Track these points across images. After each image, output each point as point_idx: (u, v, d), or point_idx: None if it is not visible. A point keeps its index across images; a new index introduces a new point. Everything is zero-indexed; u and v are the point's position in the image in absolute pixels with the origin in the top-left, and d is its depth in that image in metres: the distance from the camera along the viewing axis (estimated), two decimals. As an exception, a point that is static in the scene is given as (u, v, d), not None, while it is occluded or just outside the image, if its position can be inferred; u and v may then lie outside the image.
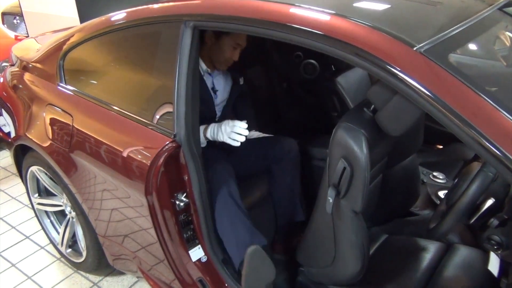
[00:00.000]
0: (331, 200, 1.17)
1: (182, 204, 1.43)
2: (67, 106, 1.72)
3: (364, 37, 1.01)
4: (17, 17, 5.24)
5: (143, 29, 1.51)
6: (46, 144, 1.78)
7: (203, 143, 1.60)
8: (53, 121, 1.76)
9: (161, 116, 1.42)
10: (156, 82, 1.51)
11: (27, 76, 2.04)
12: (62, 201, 2.05)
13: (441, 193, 1.76)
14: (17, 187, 2.94)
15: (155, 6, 1.49)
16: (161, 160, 1.35)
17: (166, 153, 1.35)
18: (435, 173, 1.84)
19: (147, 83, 1.55)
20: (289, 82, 2.47)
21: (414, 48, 0.95)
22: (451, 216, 1.15)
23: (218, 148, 1.80)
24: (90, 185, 1.66)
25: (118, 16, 1.60)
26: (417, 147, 1.62)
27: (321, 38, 1.07)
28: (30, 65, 2.05)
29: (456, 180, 1.26)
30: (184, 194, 1.44)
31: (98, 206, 1.68)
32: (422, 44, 0.97)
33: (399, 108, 1.08)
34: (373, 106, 1.19)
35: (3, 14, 5.79)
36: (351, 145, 1.11)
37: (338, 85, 2.11)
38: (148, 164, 1.36)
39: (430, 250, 1.51)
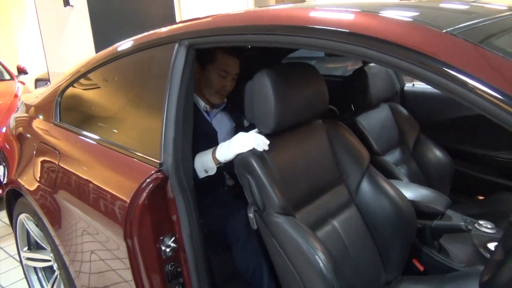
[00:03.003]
0: (251, 215, 1.19)
1: (169, 250, 1.19)
2: (57, 143, 1.57)
3: (384, 29, 0.82)
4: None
5: (136, 56, 1.39)
6: (32, 187, 1.62)
7: (212, 169, 1.35)
8: (41, 160, 1.61)
9: (147, 143, 1.23)
10: (145, 108, 1.35)
11: (27, 118, 1.95)
12: (51, 255, 1.83)
13: (491, 245, 1.43)
14: (17, 244, 2.75)
15: (148, 32, 1.39)
16: (144, 194, 1.13)
17: (150, 186, 1.14)
18: (481, 222, 1.52)
19: (137, 111, 1.39)
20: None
21: (444, 31, 0.75)
22: (512, 261, 0.85)
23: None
24: (71, 230, 1.44)
25: (113, 47, 1.50)
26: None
27: (340, 37, 0.87)
28: (32, 108, 1.97)
29: None
30: (173, 239, 1.20)
31: (76, 251, 1.44)
32: (451, 28, 0.76)
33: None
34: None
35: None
36: (245, 158, 1.18)
37: (360, 125, 1.90)
38: (128, 201, 1.15)
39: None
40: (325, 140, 1.42)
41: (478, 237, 1.49)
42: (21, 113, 2.10)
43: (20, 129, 1.99)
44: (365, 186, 1.41)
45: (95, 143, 1.41)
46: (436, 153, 2.06)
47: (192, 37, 1.20)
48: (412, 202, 1.43)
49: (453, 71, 0.68)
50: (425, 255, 1.47)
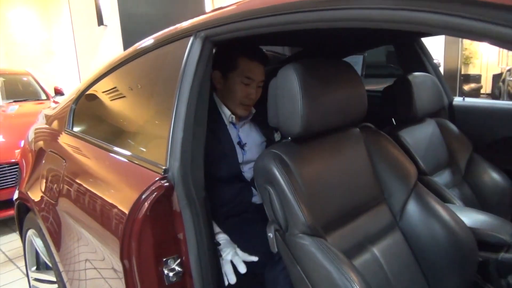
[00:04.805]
0: (271, 236, 1.00)
1: (173, 275, 0.99)
2: (64, 151, 1.45)
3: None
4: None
5: (149, 56, 1.26)
6: (37, 198, 1.49)
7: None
8: (48, 170, 1.48)
9: (152, 147, 1.07)
10: (154, 109, 1.19)
11: (44, 129, 1.86)
12: (58, 276, 1.68)
13: None
14: (34, 264, 2.64)
15: (163, 30, 1.26)
16: (145, 205, 0.96)
17: (153, 196, 0.96)
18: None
19: (146, 113, 1.24)
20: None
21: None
22: None
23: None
24: (73, 249, 1.28)
25: (126, 51, 1.38)
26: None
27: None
28: (50, 118, 1.89)
29: None
30: (178, 261, 1.01)
31: (73, 277, 1.27)
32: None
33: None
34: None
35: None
36: (265, 166, 1.02)
37: (403, 140, 1.66)
38: (127, 213, 0.97)
39: None
40: (363, 151, 1.21)
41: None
42: (40, 124, 2.03)
43: (37, 140, 1.90)
44: (412, 207, 1.18)
45: (100, 149, 1.27)
46: (493, 176, 1.78)
47: (208, 27, 1.05)
48: (471, 230, 1.18)
49: None
50: None
